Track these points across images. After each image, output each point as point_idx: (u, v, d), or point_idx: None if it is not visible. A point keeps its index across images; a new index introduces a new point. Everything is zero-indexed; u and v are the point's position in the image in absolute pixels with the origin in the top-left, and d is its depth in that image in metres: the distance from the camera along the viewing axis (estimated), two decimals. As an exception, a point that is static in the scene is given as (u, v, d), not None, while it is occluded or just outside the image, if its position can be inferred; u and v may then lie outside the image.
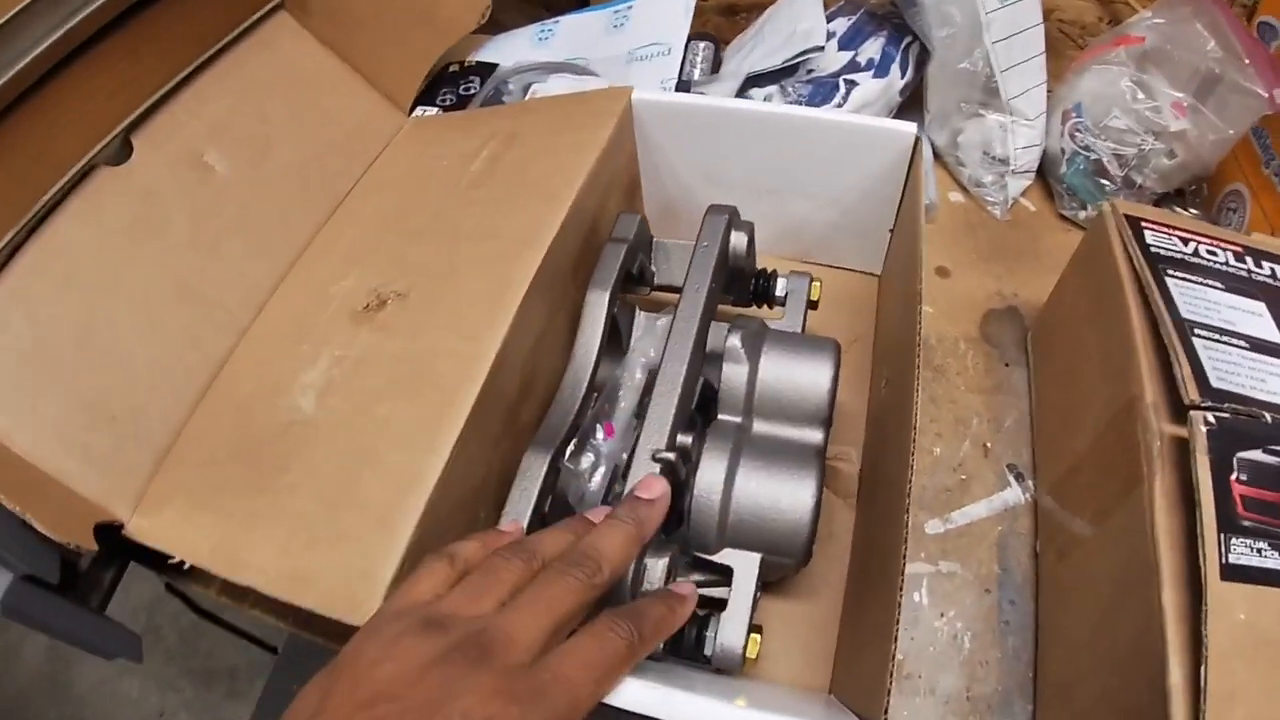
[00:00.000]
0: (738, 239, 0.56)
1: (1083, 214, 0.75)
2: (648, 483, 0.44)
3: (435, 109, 0.76)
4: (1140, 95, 0.69)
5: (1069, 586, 0.53)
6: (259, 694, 0.86)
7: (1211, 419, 0.43)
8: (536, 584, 0.36)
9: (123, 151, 0.59)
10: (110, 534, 0.49)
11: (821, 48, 0.71)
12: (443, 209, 0.60)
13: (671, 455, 0.46)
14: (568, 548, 0.39)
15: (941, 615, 0.55)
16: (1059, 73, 0.78)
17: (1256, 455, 0.43)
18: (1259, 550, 0.40)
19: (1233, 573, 0.39)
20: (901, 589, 0.42)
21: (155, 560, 0.49)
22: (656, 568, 0.45)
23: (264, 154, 0.63)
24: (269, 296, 0.60)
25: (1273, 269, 0.56)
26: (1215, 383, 0.45)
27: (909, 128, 0.58)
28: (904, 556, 0.43)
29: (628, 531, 0.41)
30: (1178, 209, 0.75)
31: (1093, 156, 0.72)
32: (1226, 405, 0.44)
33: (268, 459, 0.50)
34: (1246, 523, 0.40)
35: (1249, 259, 0.56)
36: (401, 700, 0.30)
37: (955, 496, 0.60)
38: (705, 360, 0.55)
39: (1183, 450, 0.43)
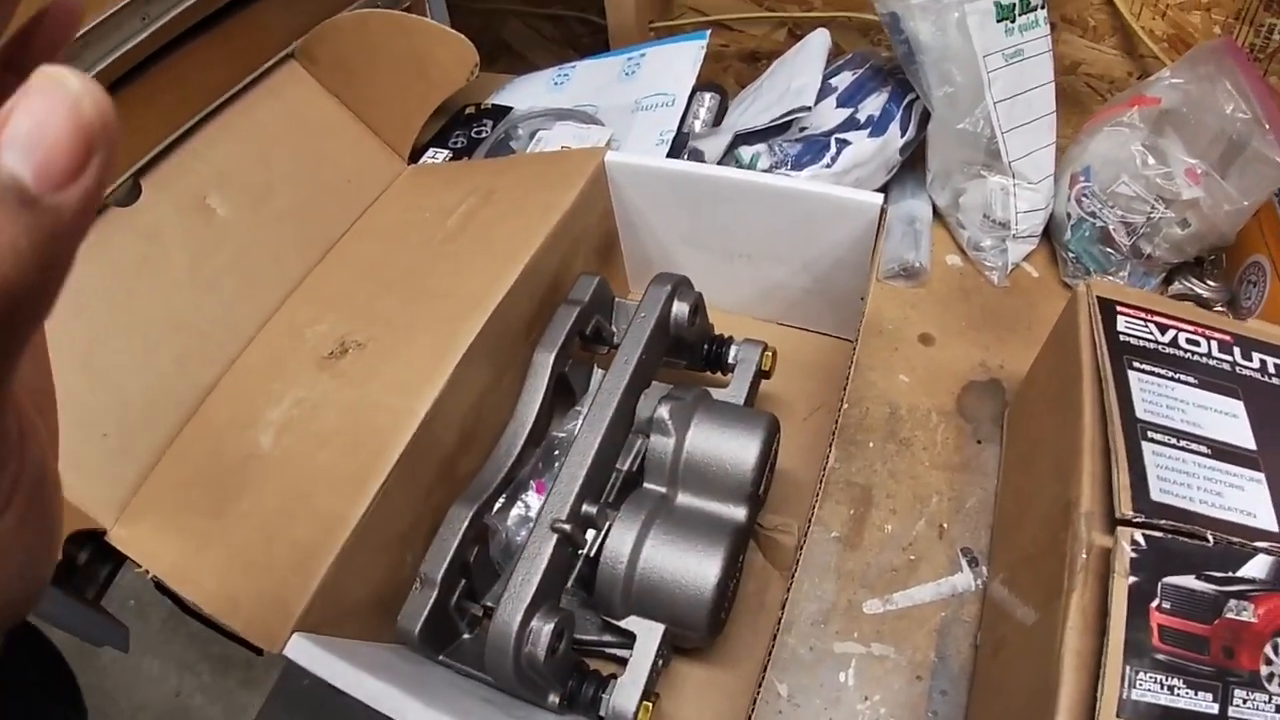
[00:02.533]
0: (679, 309, 0.57)
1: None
2: None
3: (446, 151, 0.79)
4: (1151, 161, 0.66)
5: (996, 687, 0.51)
6: (272, 685, 0.90)
7: (1140, 538, 0.41)
8: None
9: (132, 193, 0.63)
10: (98, 538, 0.54)
11: (809, 108, 0.70)
12: (415, 263, 0.62)
13: (568, 526, 0.48)
14: None
15: (866, 699, 0.54)
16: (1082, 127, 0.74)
17: (1187, 581, 0.40)
18: (1170, 688, 0.38)
19: (1133, 710, 0.37)
20: (771, 652, 0.43)
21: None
22: (542, 631, 0.46)
23: (264, 198, 0.66)
24: (256, 332, 0.63)
25: (1263, 361, 0.52)
26: (1156, 495, 0.43)
27: (875, 199, 0.57)
28: (778, 624, 0.44)
29: None
30: (1194, 279, 0.71)
31: (1099, 224, 0.69)
32: (1164, 522, 0.41)
33: (227, 487, 0.54)
34: (1161, 655, 0.38)
35: (1237, 350, 0.53)
36: None
37: (900, 577, 0.59)
38: (645, 422, 0.55)
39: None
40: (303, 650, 0.45)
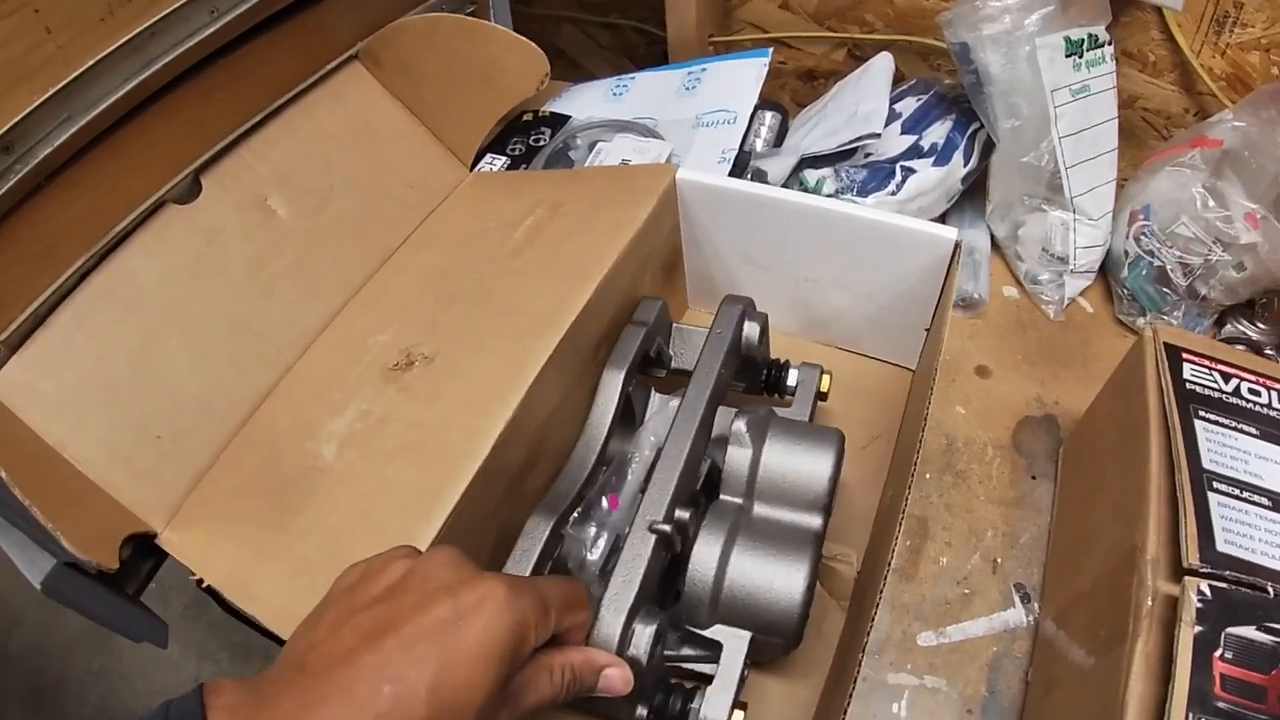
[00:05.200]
0: (750, 329, 0.58)
1: (1141, 320, 0.72)
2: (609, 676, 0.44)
3: (504, 158, 0.78)
4: (1211, 203, 0.66)
5: (1049, 724, 0.52)
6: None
7: (1206, 589, 0.42)
8: None
9: (192, 190, 0.62)
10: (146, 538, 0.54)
11: (878, 135, 0.70)
12: (481, 275, 0.62)
13: (667, 527, 0.48)
14: None
15: (919, 731, 0.55)
16: (1138, 163, 0.75)
17: (1249, 632, 0.41)
18: (1230, 736, 0.39)
19: (1195, 756, 0.38)
20: (851, 695, 0.43)
21: (188, 563, 0.53)
22: (644, 634, 0.46)
23: (325, 201, 0.66)
24: (315, 339, 0.63)
25: (1323, 412, 0.53)
26: (1222, 545, 0.44)
27: (949, 233, 0.57)
28: (859, 664, 0.44)
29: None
30: (1245, 322, 0.71)
31: (1157, 263, 0.69)
32: (1228, 573, 0.42)
33: (287, 499, 0.53)
34: (1221, 704, 0.39)
35: (1297, 400, 0.53)
36: (410, 592, 0.36)
37: (954, 610, 0.59)
38: (712, 442, 0.56)
39: (1175, 613, 0.41)
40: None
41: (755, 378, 0.63)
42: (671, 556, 0.51)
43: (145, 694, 1.03)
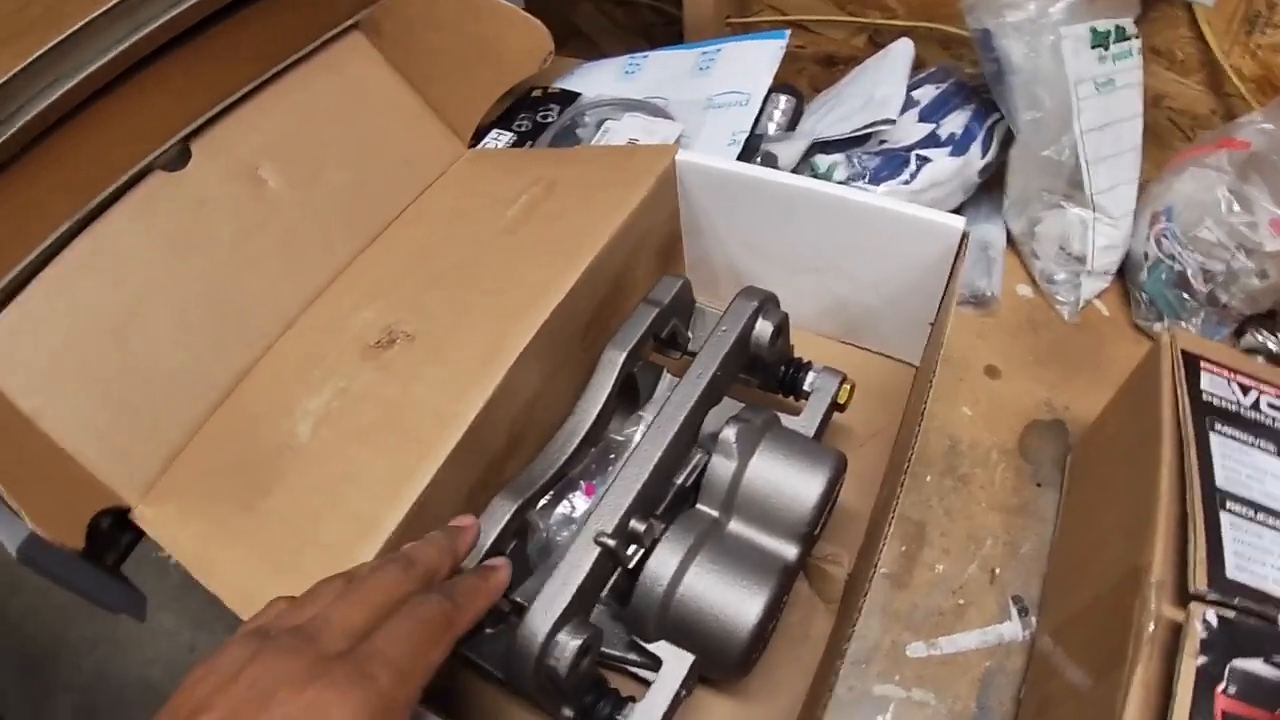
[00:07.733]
0: (763, 328, 0.55)
1: (1158, 325, 0.69)
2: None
3: (510, 134, 0.77)
4: (1236, 207, 0.63)
5: (1041, 746, 0.50)
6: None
7: (1212, 618, 0.39)
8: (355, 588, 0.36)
9: (181, 157, 0.61)
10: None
11: (893, 121, 0.67)
12: (469, 254, 0.60)
13: (612, 541, 0.46)
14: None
15: (903, 746, 0.53)
16: (1161, 164, 0.72)
17: (1255, 666, 0.38)
18: (1228, 775, 0.37)
19: (1191, 796, 0.36)
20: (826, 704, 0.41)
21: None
22: (568, 647, 0.44)
23: (317, 174, 0.64)
24: (298, 314, 0.61)
25: (1341, 433, 0.50)
26: (1232, 572, 0.41)
27: (957, 222, 0.55)
28: (835, 674, 0.43)
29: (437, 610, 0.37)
30: (1265, 333, 0.68)
31: (1177, 268, 0.66)
32: (1237, 600, 0.40)
33: (259, 478, 0.52)
34: None
35: (1317, 417, 0.50)
36: (216, 709, 0.30)
37: (947, 621, 0.57)
38: (707, 437, 0.54)
39: (1178, 638, 0.39)
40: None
41: (770, 376, 0.60)
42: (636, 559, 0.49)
43: (141, 662, 1.03)
